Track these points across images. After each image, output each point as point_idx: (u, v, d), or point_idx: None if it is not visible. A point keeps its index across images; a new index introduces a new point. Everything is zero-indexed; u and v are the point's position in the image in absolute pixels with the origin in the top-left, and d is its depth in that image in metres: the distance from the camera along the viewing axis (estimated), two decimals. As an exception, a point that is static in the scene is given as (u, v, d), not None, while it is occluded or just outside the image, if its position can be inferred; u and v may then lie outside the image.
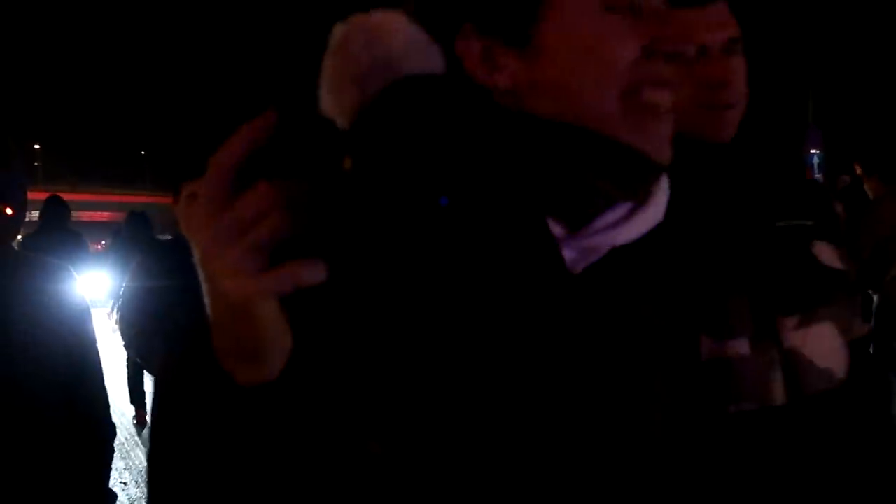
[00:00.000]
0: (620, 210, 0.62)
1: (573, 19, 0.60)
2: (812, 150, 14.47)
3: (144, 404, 5.91)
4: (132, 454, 5.34)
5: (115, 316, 5.30)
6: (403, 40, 0.61)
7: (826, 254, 0.78)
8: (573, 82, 0.60)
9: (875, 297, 3.68)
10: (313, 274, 0.45)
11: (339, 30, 0.63)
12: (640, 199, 0.63)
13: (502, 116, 0.61)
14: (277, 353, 0.51)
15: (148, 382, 5.79)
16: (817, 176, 10.76)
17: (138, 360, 3.41)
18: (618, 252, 0.62)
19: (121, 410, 5.77)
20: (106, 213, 35.11)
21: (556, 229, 0.62)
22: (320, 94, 0.62)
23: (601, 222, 0.62)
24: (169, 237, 3.31)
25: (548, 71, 0.61)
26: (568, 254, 0.61)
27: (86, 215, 30.91)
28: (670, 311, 0.65)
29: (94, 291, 7.16)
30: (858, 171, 4.48)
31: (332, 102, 0.62)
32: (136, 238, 6.62)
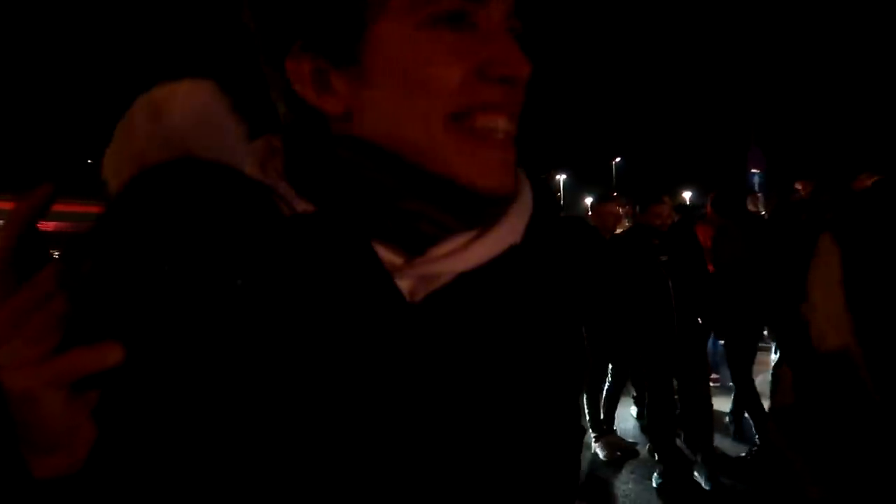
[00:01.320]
0: (462, 237, 0.59)
1: (396, 37, 0.54)
2: (753, 170, 16.21)
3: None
4: None
5: None
6: (189, 114, 0.55)
7: None
8: (397, 106, 0.55)
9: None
10: (103, 358, 0.43)
11: (136, 103, 0.57)
12: (478, 225, 0.60)
13: (330, 143, 0.58)
14: (77, 443, 0.48)
15: None
16: (758, 195, 10.79)
17: None
18: (465, 278, 0.59)
19: None
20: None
21: (393, 258, 0.58)
22: (104, 174, 0.56)
23: (440, 250, 0.58)
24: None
25: (374, 94, 0.55)
26: (405, 283, 0.58)
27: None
28: (524, 336, 0.63)
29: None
30: (799, 188, 5.33)
31: (113, 184, 0.54)
32: None
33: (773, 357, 5.14)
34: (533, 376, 0.63)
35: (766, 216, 5.94)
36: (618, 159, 34.97)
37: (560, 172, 33.38)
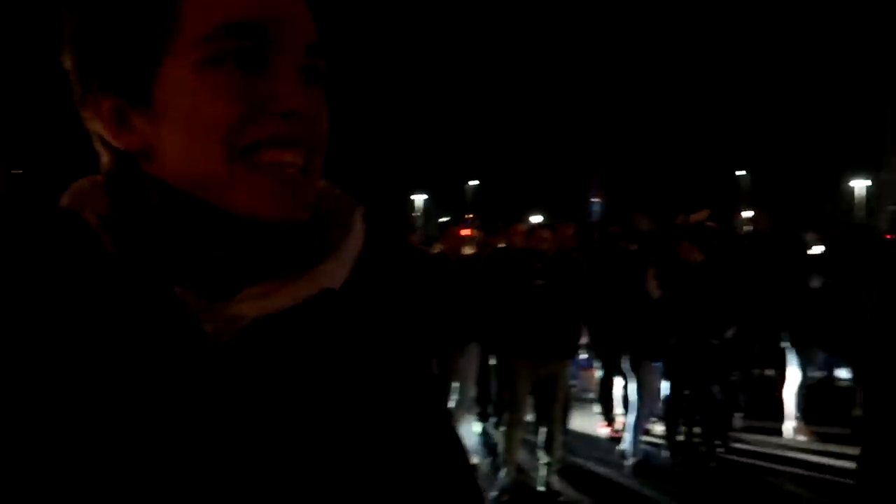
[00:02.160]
0: (273, 283, 0.59)
1: (181, 77, 0.56)
2: (594, 199, 17.58)
3: None
4: None
5: None
6: None
7: None
8: (185, 143, 0.56)
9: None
10: None
11: None
12: (294, 268, 0.60)
13: (139, 184, 0.59)
14: None
15: None
16: (597, 220, 11.71)
17: None
18: (273, 319, 0.59)
19: None
20: None
21: (200, 301, 0.58)
22: None
23: (248, 293, 0.58)
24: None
25: (166, 132, 0.57)
26: (211, 325, 0.57)
27: None
28: (341, 372, 0.62)
29: None
30: (638, 223, 5.71)
31: None
32: None
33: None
34: (353, 411, 0.63)
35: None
36: (473, 182, 35.95)
37: (420, 193, 33.85)
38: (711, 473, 4.96)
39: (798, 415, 5.61)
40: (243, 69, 0.56)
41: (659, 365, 5.05)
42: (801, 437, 5.58)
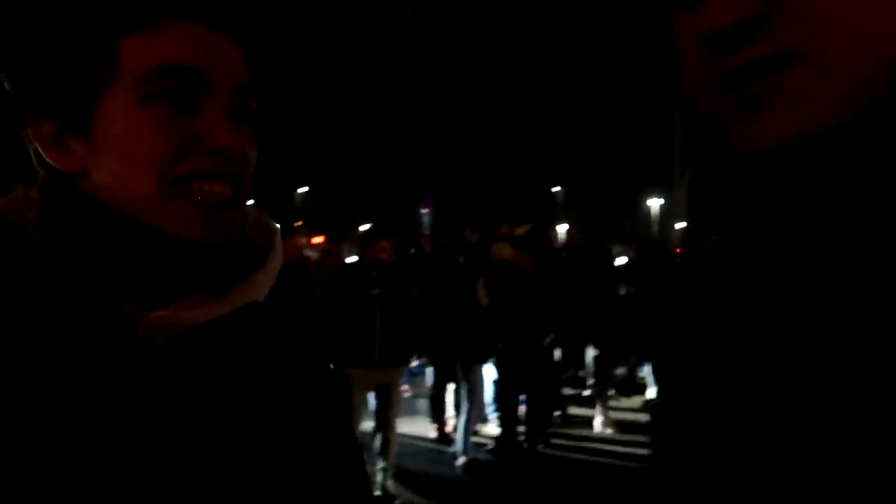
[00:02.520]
0: (203, 295, 0.65)
1: (119, 112, 0.61)
2: (423, 210, 17.16)
3: None
4: None
5: None
6: None
7: None
8: (121, 171, 0.62)
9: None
10: None
11: None
12: (224, 282, 0.66)
13: (74, 199, 0.63)
14: None
15: None
16: (426, 233, 12.05)
17: None
18: (202, 327, 0.65)
19: None
20: None
21: (135, 310, 0.63)
22: None
23: (184, 302, 0.64)
24: None
25: (103, 159, 0.62)
26: (145, 331, 0.63)
27: None
28: (259, 377, 0.69)
29: None
30: (468, 235, 6.17)
31: None
32: None
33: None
34: (270, 413, 0.69)
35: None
36: (302, 189, 35.28)
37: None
38: (534, 467, 5.36)
39: (603, 410, 6.26)
40: (177, 107, 0.62)
41: (487, 368, 5.39)
42: (609, 430, 6.22)
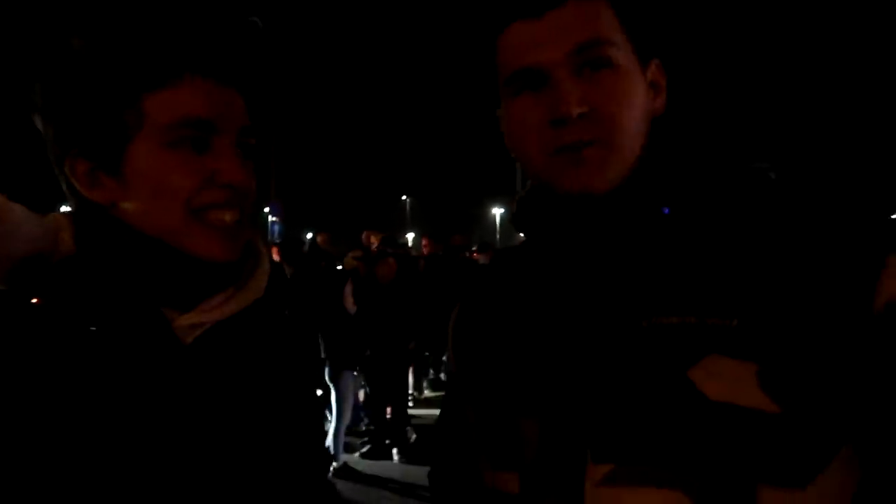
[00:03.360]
0: (221, 296, 0.79)
1: (147, 155, 0.73)
2: (273, 219, 17.36)
3: None
4: None
5: None
6: (18, 216, 0.72)
7: (716, 379, 0.63)
8: (149, 205, 0.74)
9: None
10: None
11: None
12: (232, 285, 0.81)
13: (108, 226, 0.76)
14: None
15: None
16: (276, 240, 11.56)
17: None
18: (223, 324, 0.79)
19: None
20: None
21: (171, 313, 0.77)
22: None
23: (204, 305, 0.78)
24: None
25: (133, 193, 0.75)
26: (179, 331, 0.76)
27: None
28: (267, 361, 0.84)
29: None
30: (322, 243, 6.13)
31: None
32: None
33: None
34: (275, 394, 0.83)
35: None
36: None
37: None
38: (400, 462, 5.54)
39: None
40: (195, 150, 0.75)
41: (354, 374, 5.51)
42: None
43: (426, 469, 1.01)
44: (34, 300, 0.71)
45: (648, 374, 0.67)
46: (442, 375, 7.71)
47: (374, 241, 6.53)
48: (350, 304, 5.34)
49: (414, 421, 6.09)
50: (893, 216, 0.72)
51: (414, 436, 5.86)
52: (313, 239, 6.99)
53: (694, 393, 0.64)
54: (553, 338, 0.75)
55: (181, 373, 0.76)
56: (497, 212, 36.52)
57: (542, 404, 0.73)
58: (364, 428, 6.05)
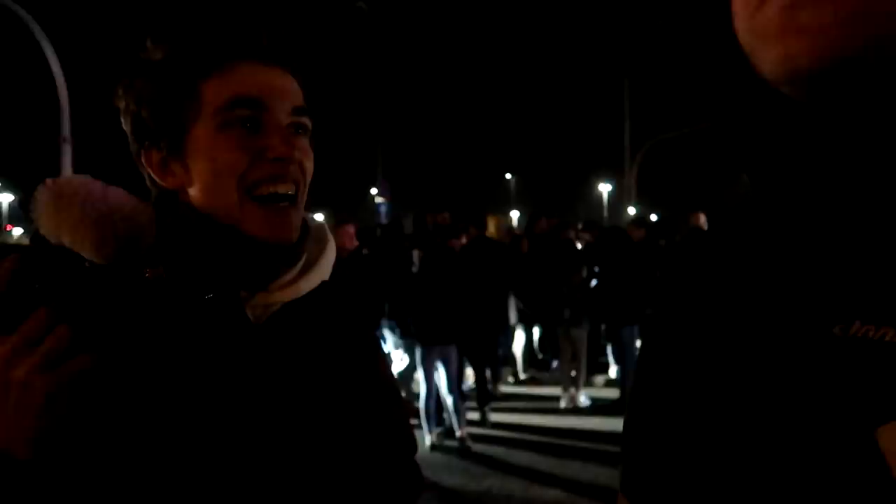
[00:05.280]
0: (289, 275, 0.83)
1: (204, 137, 0.79)
2: (380, 200, 18.37)
3: None
4: None
5: None
6: (114, 195, 0.80)
7: None
8: (209, 186, 0.79)
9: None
10: (84, 365, 0.67)
11: (43, 194, 0.79)
12: (298, 266, 0.84)
13: (182, 211, 0.81)
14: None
15: None
16: (384, 221, 12.28)
17: None
18: (292, 304, 0.83)
19: None
20: None
21: (243, 293, 0.81)
22: (60, 238, 0.76)
23: (275, 286, 0.81)
24: None
25: (195, 177, 0.80)
26: (251, 311, 0.81)
27: None
28: (335, 342, 0.87)
29: None
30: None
31: (76, 242, 0.77)
32: None
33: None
34: (345, 374, 0.87)
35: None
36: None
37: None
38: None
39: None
40: (247, 129, 0.79)
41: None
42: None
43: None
44: (147, 273, 0.77)
45: (823, 417, 0.39)
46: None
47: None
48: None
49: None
50: None
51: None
52: (417, 217, 7.06)
53: (880, 466, 0.37)
54: (746, 349, 0.45)
55: (253, 352, 0.80)
56: (604, 189, 35.63)
57: None
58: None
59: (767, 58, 0.39)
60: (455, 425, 5.20)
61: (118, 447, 0.72)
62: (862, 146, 0.39)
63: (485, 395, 5.82)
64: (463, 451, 5.08)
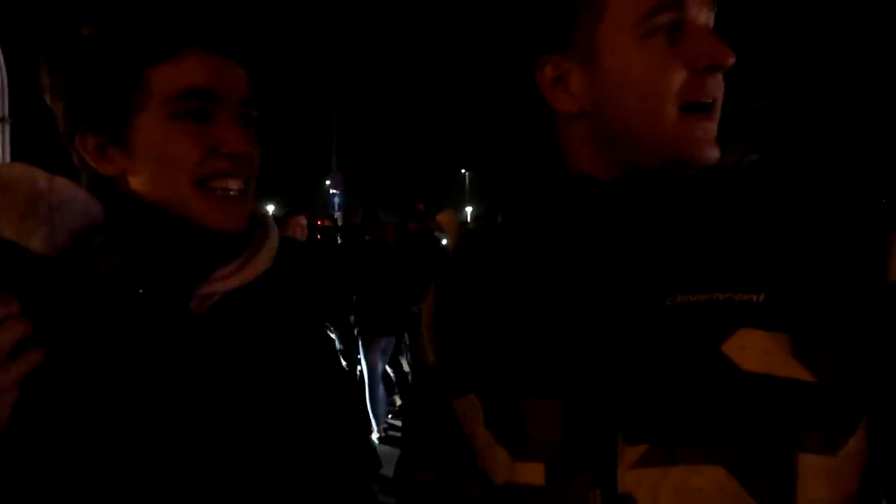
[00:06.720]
0: (230, 266, 0.81)
1: (152, 127, 0.76)
2: (333, 191, 17.73)
3: None
4: None
5: None
6: (61, 186, 0.72)
7: (750, 351, 0.63)
8: (156, 175, 0.77)
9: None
10: (35, 359, 0.65)
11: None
12: (241, 256, 0.83)
13: (119, 198, 0.78)
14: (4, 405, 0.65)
15: None
16: (337, 213, 11.90)
17: None
18: (232, 294, 0.82)
19: None
20: None
21: (187, 284, 0.79)
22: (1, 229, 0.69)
23: (216, 275, 0.80)
24: None
25: (140, 165, 0.77)
26: (193, 302, 0.80)
27: None
28: (278, 331, 0.86)
29: None
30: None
31: (22, 235, 0.70)
32: None
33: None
34: (288, 365, 0.85)
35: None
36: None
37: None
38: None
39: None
40: (198, 121, 0.77)
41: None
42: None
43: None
44: (102, 265, 0.74)
45: (679, 351, 0.66)
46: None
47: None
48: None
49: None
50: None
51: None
52: (366, 210, 7.07)
53: (728, 367, 0.64)
54: (575, 319, 0.72)
55: (193, 343, 0.78)
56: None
57: (566, 387, 0.70)
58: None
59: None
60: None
61: (62, 444, 0.70)
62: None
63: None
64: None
